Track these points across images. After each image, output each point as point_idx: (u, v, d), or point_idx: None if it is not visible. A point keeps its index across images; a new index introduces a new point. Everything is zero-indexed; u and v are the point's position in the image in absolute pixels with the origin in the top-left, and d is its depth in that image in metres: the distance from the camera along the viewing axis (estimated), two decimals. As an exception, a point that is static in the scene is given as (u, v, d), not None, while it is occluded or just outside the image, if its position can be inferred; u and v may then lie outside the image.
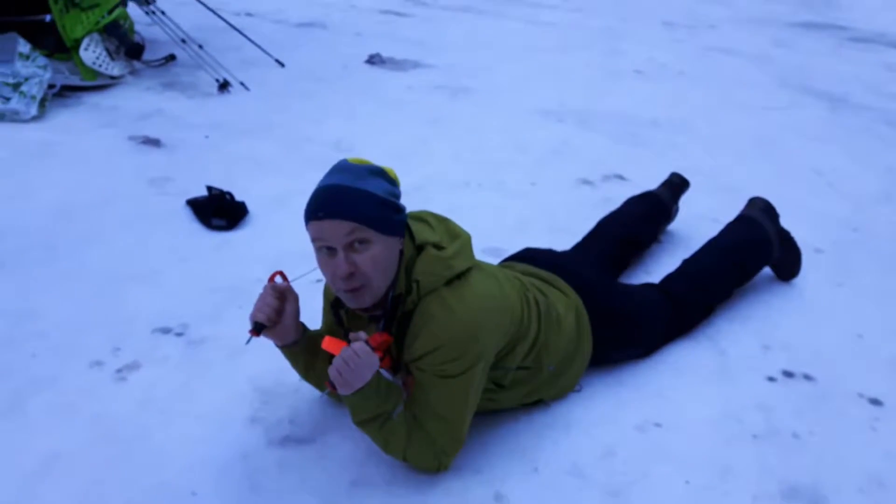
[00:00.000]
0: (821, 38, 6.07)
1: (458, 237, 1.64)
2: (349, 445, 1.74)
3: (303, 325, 1.73)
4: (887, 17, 6.83)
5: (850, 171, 3.36)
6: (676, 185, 2.62)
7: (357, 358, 1.48)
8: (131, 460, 1.71)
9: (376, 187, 1.49)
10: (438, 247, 1.58)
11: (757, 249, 2.33)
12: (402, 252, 1.56)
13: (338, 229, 1.45)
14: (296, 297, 1.67)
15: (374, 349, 1.51)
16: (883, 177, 3.33)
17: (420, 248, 1.57)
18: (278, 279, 1.68)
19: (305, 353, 1.74)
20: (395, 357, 1.66)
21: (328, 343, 1.55)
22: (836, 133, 3.89)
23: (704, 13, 6.75)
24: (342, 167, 1.52)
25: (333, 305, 1.70)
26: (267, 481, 1.65)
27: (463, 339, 1.53)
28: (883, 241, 2.74)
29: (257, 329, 1.62)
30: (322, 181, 1.52)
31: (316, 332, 1.80)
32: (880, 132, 3.90)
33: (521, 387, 1.78)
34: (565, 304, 1.89)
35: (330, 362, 1.52)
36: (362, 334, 1.52)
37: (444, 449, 1.62)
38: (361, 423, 1.59)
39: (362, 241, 1.46)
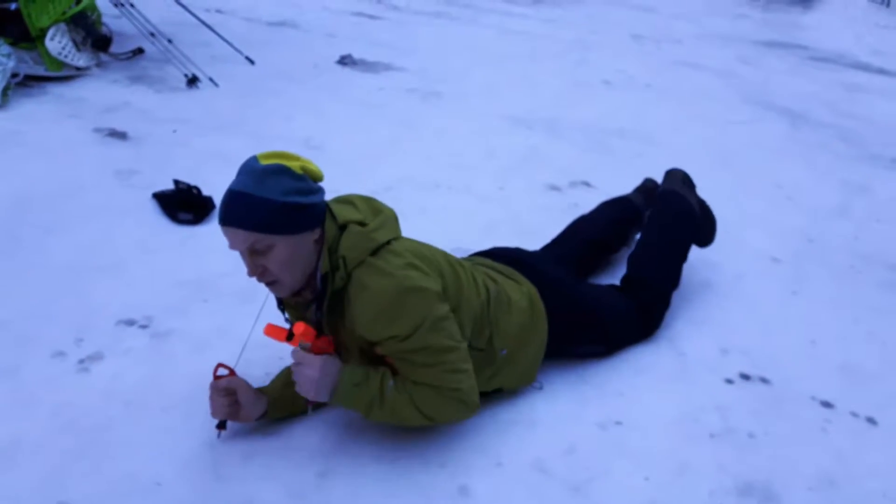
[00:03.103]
0: (783, 56, 6.24)
1: (381, 213, 1.67)
2: (316, 437, 1.75)
3: (265, 396, 1.75)
4: (846, 38, 7.05)
5: (808, 185, 3.47)
6: (650, 191, 2.67)
7: (309, 370, 1.54)
8: (94, 451, 1.69)
9: (275, 191, 1.49)
10: (362, 224, 1.61)
11: (687, 223, 2.39)
12: (322, 235, 1.58)
13: (236, 237, 1.51)
14: (245, 385, 1.71)
15: (320, 350, 1.56)
16: (838, 190, 3.44)
17: (343, 228, 1.60)
18: (222, 371, 1.71)
19: (282, 409, 1.78)
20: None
21: (269, 330, 1.63)
22: (795, 148, 4.00)
23: (672, 28, 6.89)
24: (246, 169, 1.53)
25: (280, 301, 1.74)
26: (232, 472, 1.66)
27: (400, 294, 1.54)
28: (836, 252, 2.84)
29: (222, 425, 1.70)
30: (232, 183, 1.54)
31: (276, 382, 1.81)
32: (837, 148, 4.03)
33: (476, 372, 1.76)
34: (518, 290, 1.91)
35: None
36: (304, 343, 1.57)
37: (459, 390, 1.62)
38: (368, 416, 1.61)
39: (263, 247, 1.51)
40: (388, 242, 1.62)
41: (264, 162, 1.51)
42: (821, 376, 2.13)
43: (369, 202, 1.71)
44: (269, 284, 1.58)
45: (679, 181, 2.48)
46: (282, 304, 1.73)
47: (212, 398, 1.69)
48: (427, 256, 1.67)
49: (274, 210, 1.48)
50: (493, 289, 1.83)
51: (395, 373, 1.64)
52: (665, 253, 2.29)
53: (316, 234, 1.57)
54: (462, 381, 1.63)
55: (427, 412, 1.62)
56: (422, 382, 1.60)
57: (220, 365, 1.71)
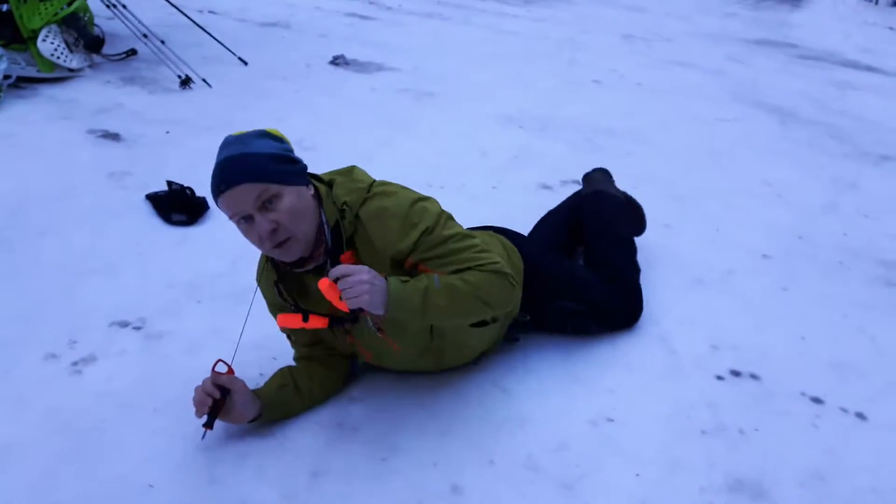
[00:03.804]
0: (773, 54, 6.27)
1: (351, 169, 1.74)
2: (308, 437, 1.76)
3: (259, 398, 1.74)
4: (835, 36, 7.09)
5: (798, 182, 3.49)
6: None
7: (359, 275, 1.48)
8: (87, 452, 1.70)
9: (265, 147, 1.55)
10: (342, 176, 1.71)
11: (622, 216, 2.51)
12: (316, 194, 1.63)
13: (244, 195, 1.50)
14: (242, 385, 1.71)
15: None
16: (827, 188, 3.46)
17: (330, 184, 1.68)
18: (220, 367, 1.71)
19: (276, 412, 1.78)
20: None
21: (283, 320, 1.62)
22: (784, 146, 4.03)
23: (662, 27, 6.92)
24: (228, 141, 1.57)
25: (276, 285, 1.70)
26: (225, 473, 1.66)
27: (412, 203, 1.65)
28: (826, 249, 2.86)
29: (209, 424, 1.65)
30: (217, 158, 1.56)
31: (271, 384, 1.81)
32: (826, 146, 4.05)
33: None
34: (488, 235, 2.02)
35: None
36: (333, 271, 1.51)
37: (493, 262, 1.65)
38: (426, 312, 1.55)
39: (272, 199, 1.52)
40: (374, 181, 1.71)
41: (241, 133, 1.57)
42: (811, 372, 2.14)
43: (336, 170, 1.77)
44: (283, 245, 1.54)
45: (599, 180, 2.61)
46: (281, 295, 1.69)
47: (197, 393, 1.65)
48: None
49: (272, 160, 1.53)
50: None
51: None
52: (618, 249, 2.37)
53: (310, 189, 1.61)
54: (492, 257, 1.68)
55: (480, 292, 1.60)
56: (471, 271, 1.62)
57: (219, 361, 1.71)
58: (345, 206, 1.62)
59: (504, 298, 1.68)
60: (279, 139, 1.60)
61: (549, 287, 2.06)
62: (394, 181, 1.73)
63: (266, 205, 1.51)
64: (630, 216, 2.57)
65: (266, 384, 1.82)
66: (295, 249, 1.57)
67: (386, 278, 1.53)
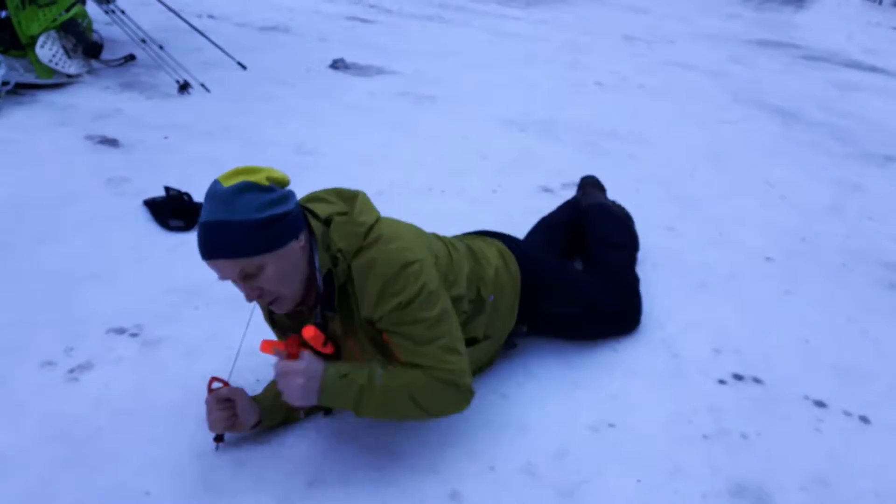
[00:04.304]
0: (775, 55, 6.26)
1: (354, 198, 1.65)
2: (305, 445, 1.74)
3: (258, 404, 1.74)
4: (838, 37, 7.07)
5: (800, 184, 3.47)
6: (592, 185, 2.75)
7: (293, 378, 1.49)
8: (83, 460, 1.68)
9: (248, 210, 1.44)
10: (342, 213, 1.61)
11: (626, 225, 2.55)
12: (308, 238, 1.56)
13: (225, 268, 1.47)
14: (242, 394, 1.70)
15: (294, 352, 1.51)
16: (830, 189, 3.44)
17: (328, 222, 1.59)
18: (216, 385, 1.70)
19: (276, 417, 1.77)
20: (337, 335, 1.66)
21: (265, 346, 1.59)
22: (787, 147, 4.01)
23: (664, 29, 6.90)
24: (212, 195, 1.46)
25: (270, 316, 1.74)
26: (222, 481, 1.64)
27: (401, 266, 1.54)
28: (829, 251, 2.84)
29: (219, 438, 1.70)
30: (201, 215, 1.48)
31: (269, 390, 1.80)
32: (829, 147, 4.03)
33: (476, 322, 1.82)
34: (485, 243, 1.99)
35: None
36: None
37: (451, 371, 1.58)
38: (359, 411, 1.55)
39: (254, 269, 1.47)
40: (376, 221, 1.61)
41: (228, 183, 1.45)
42: (814, 375, 2.12)
43: (338, 193, 1.68)
44: (271, 304, 1.55)
45: (592, 186, 2.66)
46: (272, 318, 1.72)
47: (210, 412, 1.67)
48: (413, 230, 1.71)
49: (254, 230, 1.44)
50: (463, 247, 1.88)
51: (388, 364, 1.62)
52: (620, 266, 2.37)
53: (301, 240, 1.53)
54: (455, 362, 1.59)
55: (420, 399, 1.56)
56: (415, 364, 1.57)
57: (213, 379, 1.70)
58: (339, 254, 1.55)
59: (449, 409, 1.63)
60: (266, 189, 1.47)
61: (547, 293, 2.03)
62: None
63: (249, 274, 1.48)
64: (628, 229, 2.59)
65: (264, 390, 1.81)
66: (285, 304, 1.56)
67: (325, 371, 1.52)
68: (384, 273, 1.53)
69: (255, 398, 1.75)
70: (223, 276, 1.50)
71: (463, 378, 1.60)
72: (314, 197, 1.68)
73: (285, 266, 1.50)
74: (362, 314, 1.58)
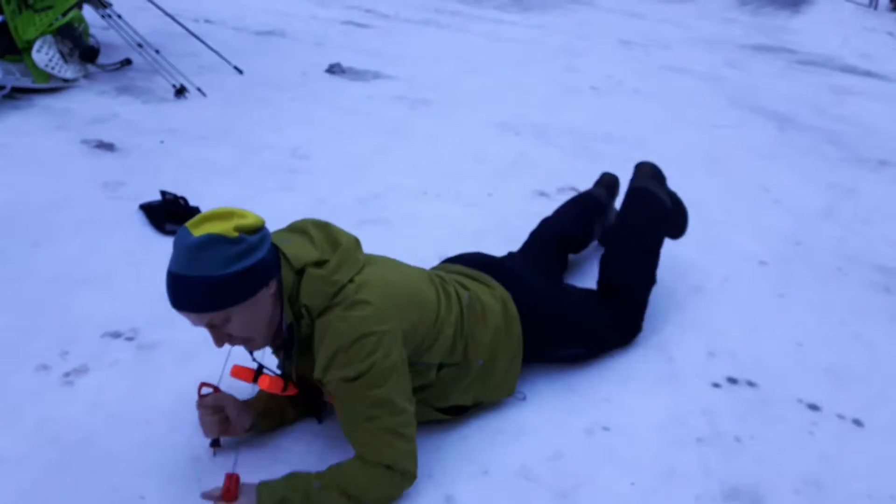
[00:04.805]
0: (771, 60, 6.28)
1: (338, 246, 1.58)
2: (301, 448, 1.75)
3: (252, 407, 1.74)
4: (833, 42, 7.10)
5: (795, 188, 3.48)
6: (611, 184, 2.67)
7: None
8: (77, 465, 1.68)
9: (214, 265, 1.40)
10: (319, 263, 1.54)
11: (660, 224, 2.36)
12: (279, 285, 1.52)
13: (192, 318, 1.48)
14: (231, 400, 1.70)
15: (229, 497, 1.50)
16: (825, 193, 3.46)
17: (301, 272, 1.53)
18: (206, 390, 1.70)
19: (270, 421, 1.78)
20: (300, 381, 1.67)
21: (236, 371, 1.62)
22: (782, 151, 4.02)
23: (660, 33, 6.93)
24: (179, 245, 1.42)
25: None
26: (217, 484, 1.64)
27: (357, 337, 1.50)
28: (823, 255, 2.85)
29: (216, 443, 1.71)
30: (170, 261, 1.45)
31: (262, 393, 1.79)
32: (824, 151, 4.05)
33: (452, 385, 1.77)
34: (490, 294, 1.89)
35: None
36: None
37: (384, 455, 1.55)
38: None
39: (221, 321, 1.47)
40: (351, 280, 1.55)
41: (196, 232, 1.40)
42: (807, 379, 2.13)
43: (326, 230, 1.62)
44: (242, 345, 1.57)
45: (649, 176, 2.45)
46: None
47: (201, 418, 1.68)
48: (395, 285, 1.61)
49: (219, 286, 1.41)
50: (466, 297, 1.81)
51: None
52: (640, 258, 2.25)
53: (272, 287, 1.50)
54: (396, 445, 1.56)
55: (353, 491, 1.54)
56: (352, 440, 1.58)
57: (203, 384, 1.70)
58: (304, 310, 1.52)
59: (384, 494, 1.60)
60: (233, 241, 1.41)
61: (554, 339, 1.99)
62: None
63: (216, 325, 1.48)
64: (673, 220, 2.45)
65: (257, 395, 1.81)
66: (255, 346, 1.58)
67: (258, 493, 1.51)
68: (338, 341, 1.50)
69: (248, 402, 1.75)
70: (192, 323, 1.49)
71: (399, 462, 1.56)
72: (298, 228, 1.63)
73: (252, 315, 1.49)
74: (314, 373, 1.58)
